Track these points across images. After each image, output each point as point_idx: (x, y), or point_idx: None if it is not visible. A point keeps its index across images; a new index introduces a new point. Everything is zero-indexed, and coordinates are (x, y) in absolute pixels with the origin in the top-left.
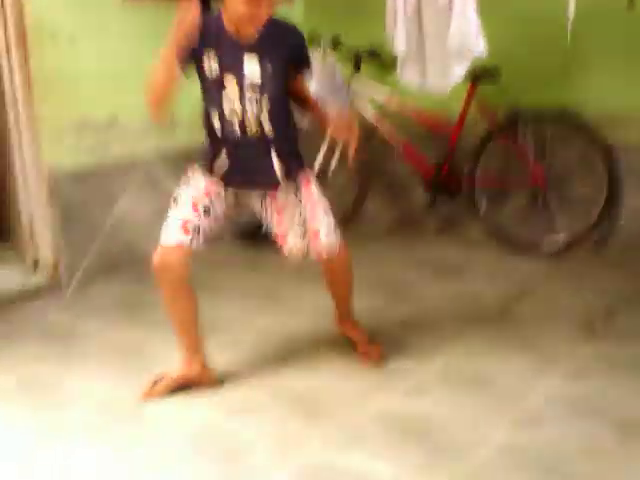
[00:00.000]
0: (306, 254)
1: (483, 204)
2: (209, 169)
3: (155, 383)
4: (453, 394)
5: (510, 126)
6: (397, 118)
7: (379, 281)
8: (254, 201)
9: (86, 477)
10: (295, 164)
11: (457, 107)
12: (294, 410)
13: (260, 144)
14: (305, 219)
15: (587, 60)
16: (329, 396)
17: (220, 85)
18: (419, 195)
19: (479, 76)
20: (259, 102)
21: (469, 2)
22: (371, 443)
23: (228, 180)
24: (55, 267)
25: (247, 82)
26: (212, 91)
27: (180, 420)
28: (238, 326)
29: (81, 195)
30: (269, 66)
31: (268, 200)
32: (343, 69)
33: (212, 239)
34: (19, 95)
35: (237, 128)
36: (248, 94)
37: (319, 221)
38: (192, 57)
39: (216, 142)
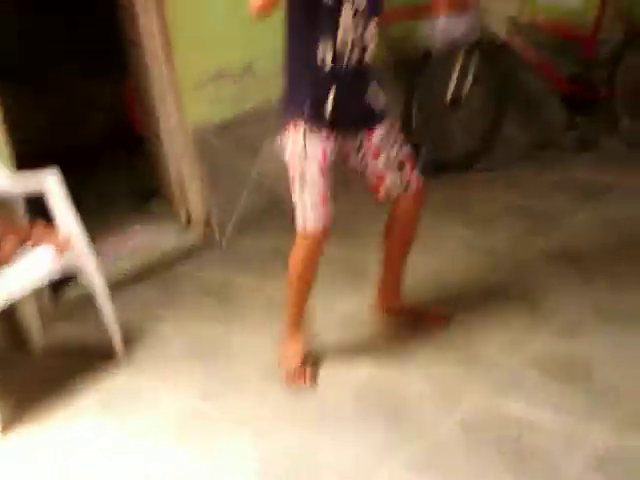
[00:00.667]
0: (402, 190)
1: (624, 116)
2: (319, 117)
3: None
4: (608, 332)
5: None
6: (529, 32)
7: (518, 208)
8: (353, 144)
9: (258, 431)
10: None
11: (590, 14)
12: (451, 358)
13: (363, 75)
14: (399, 150)
15: None
16: (484, 341)
17: (337, 11)
18: (556, 112)
19: None
20: (366, 26)
21: None
22: (529, 389)
23: (336, 123)
24: (207, 223)
25: (360, 4)
26: (326, 19)
27: (341, 376)
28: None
29: (225, 147)
30: None
31: (366, 139)
32: None
33: None
34: (159, 53)
35: (347, 59)
36: (359, 18)
37: (408, 151)
38: None
39: (322, 81)
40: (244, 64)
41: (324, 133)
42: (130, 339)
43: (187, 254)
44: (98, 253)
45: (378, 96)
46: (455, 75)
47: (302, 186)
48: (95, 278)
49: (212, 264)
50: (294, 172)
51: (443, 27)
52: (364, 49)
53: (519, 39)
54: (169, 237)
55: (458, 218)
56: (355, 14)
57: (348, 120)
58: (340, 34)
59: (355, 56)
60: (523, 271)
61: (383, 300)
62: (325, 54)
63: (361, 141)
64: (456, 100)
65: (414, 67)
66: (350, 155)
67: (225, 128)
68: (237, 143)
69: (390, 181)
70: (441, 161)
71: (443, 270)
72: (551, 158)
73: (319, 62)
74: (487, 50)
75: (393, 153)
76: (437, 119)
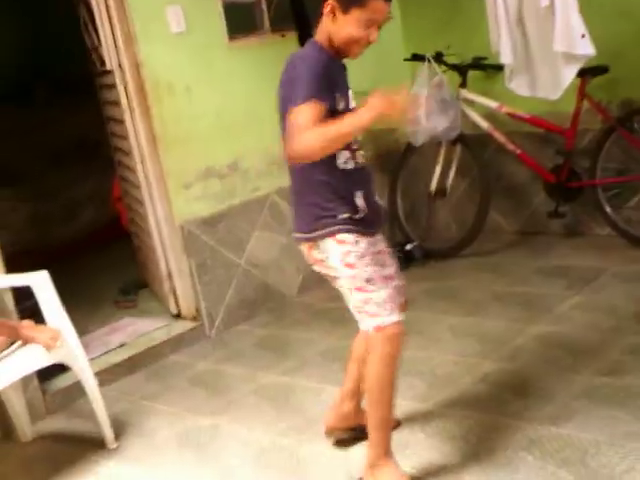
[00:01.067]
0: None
1: (607, 202)
2: (361, 222)
3: None
4: (600, 415)
5: (626, 119)
6: (510, 124)
7: (507, 295)
8: None
9: None
10: None
11: (569, 106)
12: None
13: (369, 174)
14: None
15: None
16: (479, 429)
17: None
18: (541, 200)
19: (588, 73)
20: None
21: (571, 3)
22: (525, 473)
23: (370, 229)
24: (196, 314)
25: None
26: None
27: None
28: None
29: (212, 241)
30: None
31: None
32: (450, 83)
33: None
34: (145, 151)
35: (360, 161)
36: None
37: None
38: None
39: (349, 187)
40: (230, 162)
41: (368, 236)
42: (120, 430)
43: (177, 345)
44: (87, 346)
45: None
46: (439, 166)
47: (375, 283)
48: (85, 372)
49: (202, 355)
50: (361, 279)
51: (425, 124)
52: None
53: (500, 132)
54: (158, 329)
55: (447, 306)
56: None
57: (377, 222)
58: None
59: (358, 157)
60: (516, 357)
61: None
62: (348, 162)
63: None
64: (441, 190)
65: (398, 160)
66: None
67: (212, 222)
68: (224, 236)
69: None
70: (428, 249)
71: (434, 360)
72: (538, 245)
73: (346, 169)
74: (470, 142)
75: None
76: (423, 209)
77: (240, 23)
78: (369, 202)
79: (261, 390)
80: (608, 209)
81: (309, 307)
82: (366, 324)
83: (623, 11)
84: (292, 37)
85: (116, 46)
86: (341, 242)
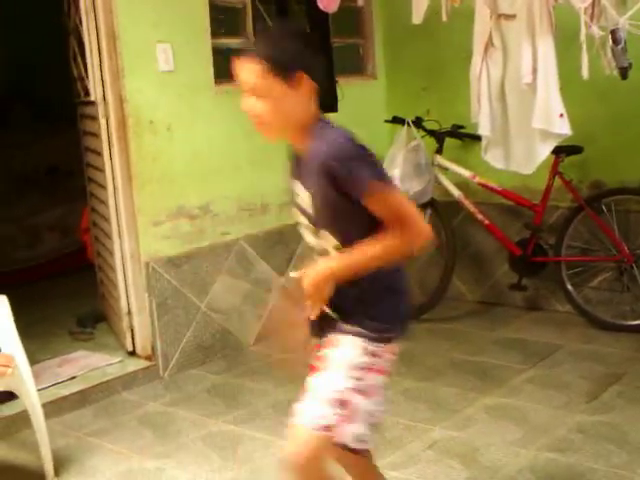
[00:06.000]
0: None
1: (570, 280)
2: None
3: None
4: None
5: (594, 200)
6: (481, 195)
7: (463, 363)
8: None
9: None
10: None
11: (540, 182)
12: None
13: None
14: None
15: None
16: None
17: None
18: (505, 271)
19: (563, 152)
20: None
21: (552, 83)
22: None
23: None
24: (152, 354)
25: None
26: None
27: None
28: None
29: (176, 281)
30: None
31: None
32: (427, 148)
33: None
34: (119, 185)
35: None
36: None
37: None
38: None
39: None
40: (202, 204)
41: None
42: (62, 465)
43: (129, 383)
44: (38, 376)
45: None
46: None
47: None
48: (33, 402)
49: (153, 396)
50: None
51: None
52: None
53: (471, 200)
54: (112, 365)
55: (403, 369)
56: None
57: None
58: None
59: None
60: (466, 426)
61: None
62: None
63: None
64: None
65: None
66: None
67: (178, 262)
68: (188, 277)
69: None
70: None
71: (384, 422)
72: (498, 316)
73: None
74: (440, 208)
75: None
76: None
77: (228, 68)
78: None
79: (210, 437)
80: (569, 287)
81: (265, 357)
82: None
83: (602, 95)
84: None
85: (102, 79)
86: (382, 351)
